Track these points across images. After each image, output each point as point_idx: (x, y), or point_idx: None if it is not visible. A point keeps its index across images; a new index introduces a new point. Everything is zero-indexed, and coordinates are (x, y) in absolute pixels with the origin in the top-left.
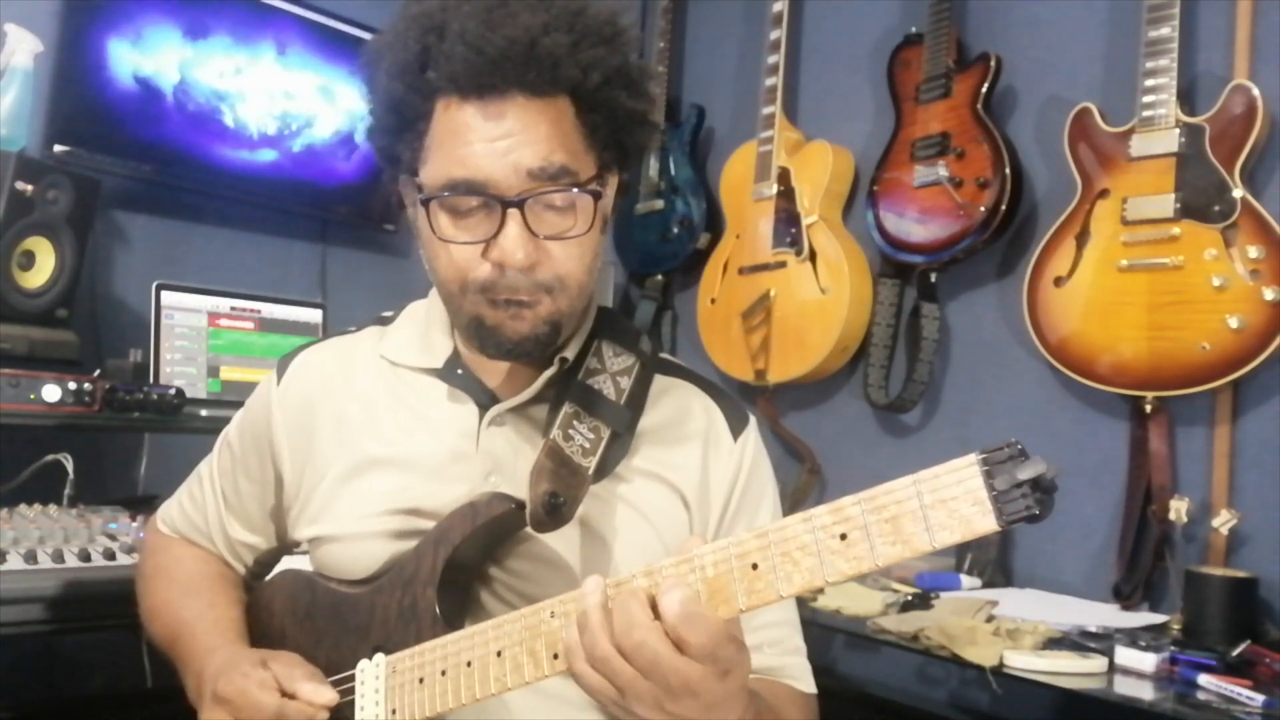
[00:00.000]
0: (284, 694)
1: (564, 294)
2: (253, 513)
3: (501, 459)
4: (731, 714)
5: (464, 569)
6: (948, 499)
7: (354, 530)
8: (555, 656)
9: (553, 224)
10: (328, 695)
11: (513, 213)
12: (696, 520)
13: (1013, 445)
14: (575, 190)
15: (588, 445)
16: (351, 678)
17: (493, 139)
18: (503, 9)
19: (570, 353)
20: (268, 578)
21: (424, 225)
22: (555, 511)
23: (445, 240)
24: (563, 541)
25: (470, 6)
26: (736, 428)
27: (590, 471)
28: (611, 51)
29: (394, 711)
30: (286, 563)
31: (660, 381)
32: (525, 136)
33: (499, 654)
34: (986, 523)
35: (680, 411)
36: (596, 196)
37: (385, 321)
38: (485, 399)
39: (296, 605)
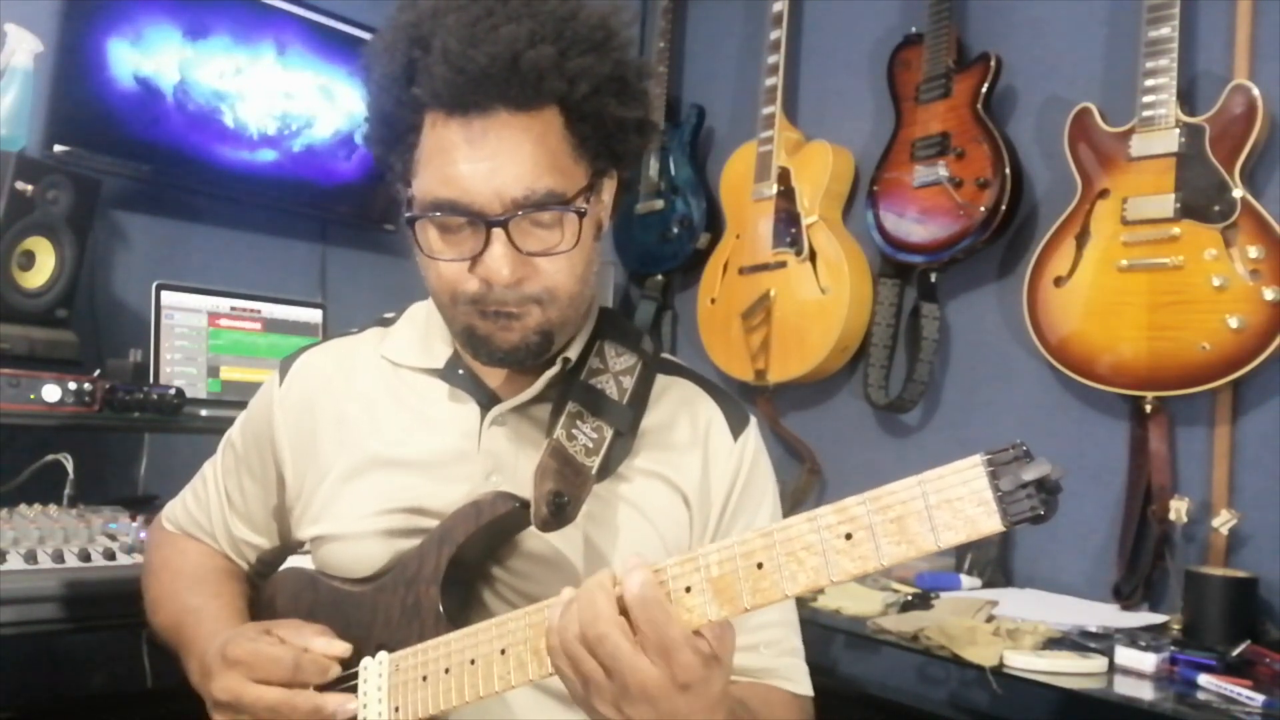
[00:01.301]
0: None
1: (554, 305)
2: (256, 512)
3: (503, 459)
4: None
5: (467, 568)
6: (953, 499)
7: (356, 529)
8: None
9: (540, 239)
10: (340, 647)
11: (497, 232)
12: (697, 520)
13: (1018, 446)
14: (559, 210)
15: (591, 445)
16: (355, 675)
17: (476, 160)
18: (487, 20)
19: (572, 353)
20: (271, 576)
21: (416, 239)
22: (560, 511)
23: (433, 258)
24: (565, 541)
25: (454, 19)
26: (737, 428)
27: (594, 471)
28: (601, 59)
29: (397, 709)
30: (291, 562)
31: (662, 381)
32: (509, 159)
33: (503, 652)
34: (991, 523)
35: (681, 411)
36: (582, 214)
37: (387, 323)
38: (486, 399)
39: (299, 604)
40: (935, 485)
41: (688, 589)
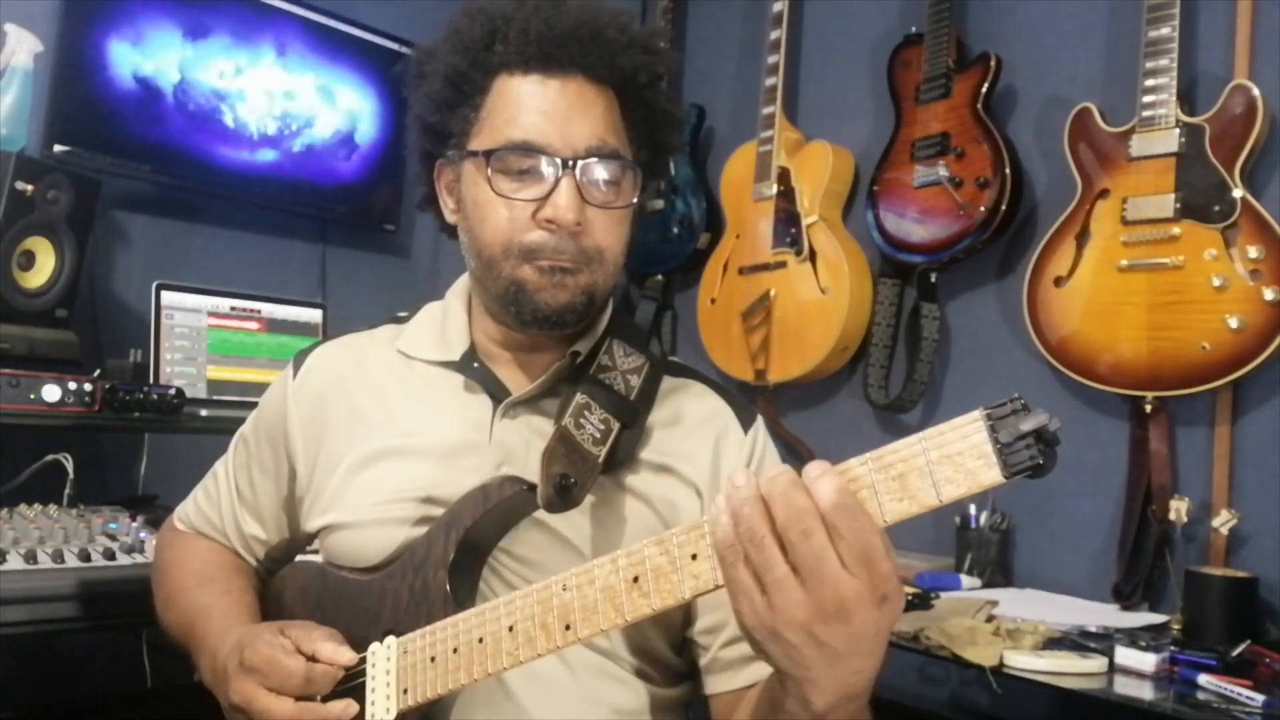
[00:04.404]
0: (304, 656)
1: (602, 267)
2: (265, 507)
3: (513, 450)
4: (871, 661)
5: (475, 552)
6: (953, 454)
7: (366, 517)
8: (567, 628)
9: (601, 194)
10: (347, 655)
11: (568, 174)
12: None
13: (1015, 400)
14: (623, 163)
15: (598, 435)
16: (363, 661)
17: (552, 108)
18: (566, 2)
19: (583, 347)
20: (279, 571)
21: (474, 189)
22: (566, 493)
23: (504, 196)
24: (573, 528)
25: (534, 2)
26: (746, 422)
27: (600, 460)
28: (656, 59)
29: (406, 691)
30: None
31: (669, 382)
32: (583, 112)
33: (511, 629)
34: (991, 475)
35: (690, 407)
36: (636, 170)
37: (401, 320)
38: (499, 391)
39: (307, 595)
40: (935, 441)
41: (694, 556)
